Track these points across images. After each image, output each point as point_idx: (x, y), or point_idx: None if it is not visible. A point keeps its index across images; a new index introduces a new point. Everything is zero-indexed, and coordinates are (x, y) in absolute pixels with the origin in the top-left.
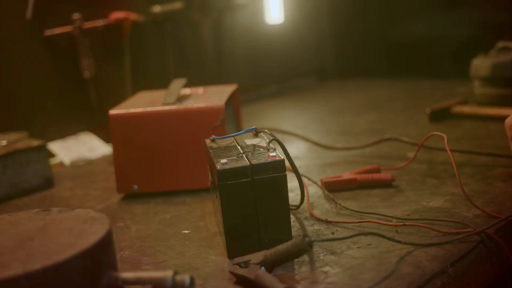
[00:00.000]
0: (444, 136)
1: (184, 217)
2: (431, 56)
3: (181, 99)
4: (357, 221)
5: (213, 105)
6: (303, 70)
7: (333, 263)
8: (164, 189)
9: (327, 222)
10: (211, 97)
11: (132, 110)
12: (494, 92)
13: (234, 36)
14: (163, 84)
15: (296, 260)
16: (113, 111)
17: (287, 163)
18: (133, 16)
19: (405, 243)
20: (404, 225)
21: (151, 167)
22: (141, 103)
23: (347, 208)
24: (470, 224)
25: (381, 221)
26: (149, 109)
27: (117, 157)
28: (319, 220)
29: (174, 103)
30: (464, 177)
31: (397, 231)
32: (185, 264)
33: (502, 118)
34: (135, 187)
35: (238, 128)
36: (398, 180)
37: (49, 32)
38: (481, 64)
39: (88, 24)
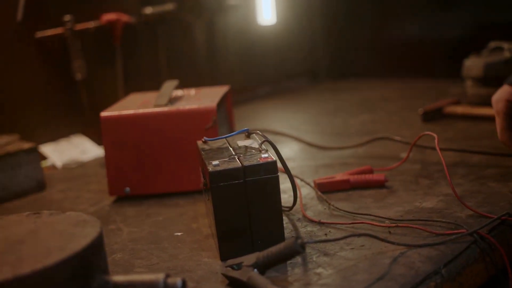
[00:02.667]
0: (435, 136)
1: (176, 219)
2: (424, 56)
3: (172, 100)
4: (350, 222)
5: (205, 106)
6: (296, 71)
7: (326, 265)
8: (156, 191)
9: (320, 223)
10: (203, 98)
11: (124, 112)
12: (487, 92)
13: (227, 37)
14: (155, 85)
15: (289, 262)
16: (104, 113)
17: (279, 165)
18: (124, 17)
19: (398, 244)
20: (397, 226)
21: (143, 169)
22: (133, 105)
23: (340, 209)
24: (463, 224)
25: (374, 222)
26: (140, 111)
27: (108, 160)
28: (312, 221)
29: (165, 105)
30: (457, 177)
31: (390, 232)
32: (178, 266)
33: (495, 118)
34: (127, 189)
35: (230, 129)
36: (391, 181)
37: (40, 34)
38: (473, 64)
39: (79, 26)
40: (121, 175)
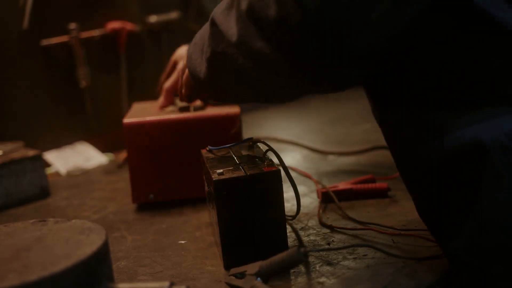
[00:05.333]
0: None
1: (180, 227)
2: None
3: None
4: (359, 228)
5: (229, 111)
6: None
7: (329, 274)
8: (179, 197)
9: (331, 228)
10: (222, 104)
11: (147, 118)
12: None
13: None
14: (159, 94)
15: (292, 270)
16: (127, 120)
17: (283, 173)
18: (129, 26)
19: (399, 257)
20: (400, 234)
21: (167, 175)
22: (151, 112)
23: (351, 218)
24: None
25: (381, 230)
26: (165, 116)
27: (132, 167)
28: (324, 225)
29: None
30: None
31: (393, 240)
32: (181, 274)
33: None
34: (151, 196)
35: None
36: (394, 190)
37: (45, 41)
38: None
39: (84, 34)
40: (144, 182)
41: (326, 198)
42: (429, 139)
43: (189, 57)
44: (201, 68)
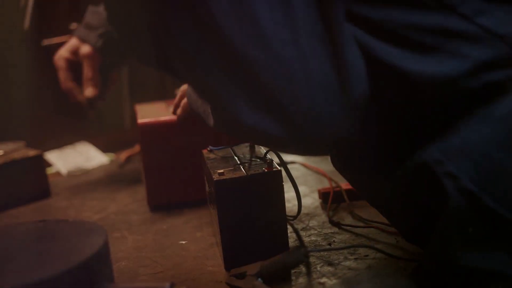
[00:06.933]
0: None
1: (181, 228)
2: None
3: None
4: (365, 225)
5: None
6: None
7: (330, 274)
8: (196, 198)
9: (339, 225)
10: None
11: (161, 118)
12: None
13: None
14: (160, 94)
15: (293, 271)
16: (142, 120)
17: (284, 174)
18: None
19: (400, 258)
20: None
21: (182, 176)
22: (162, 112)
23: (360, 216)
24: None
25: (387, 229)
26: None
27: (147, 168)
28: (332, 222)
29: None
30: None
31: (396, 239)
32: (182, 275)
33: None
34: (167, 198)
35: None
36: None
37: (46, 41)
38: None
39: None
40: (160, 183)
41: (326, 198)
42: (385, 173)
43: (189, 96)
44: (207, 111)
